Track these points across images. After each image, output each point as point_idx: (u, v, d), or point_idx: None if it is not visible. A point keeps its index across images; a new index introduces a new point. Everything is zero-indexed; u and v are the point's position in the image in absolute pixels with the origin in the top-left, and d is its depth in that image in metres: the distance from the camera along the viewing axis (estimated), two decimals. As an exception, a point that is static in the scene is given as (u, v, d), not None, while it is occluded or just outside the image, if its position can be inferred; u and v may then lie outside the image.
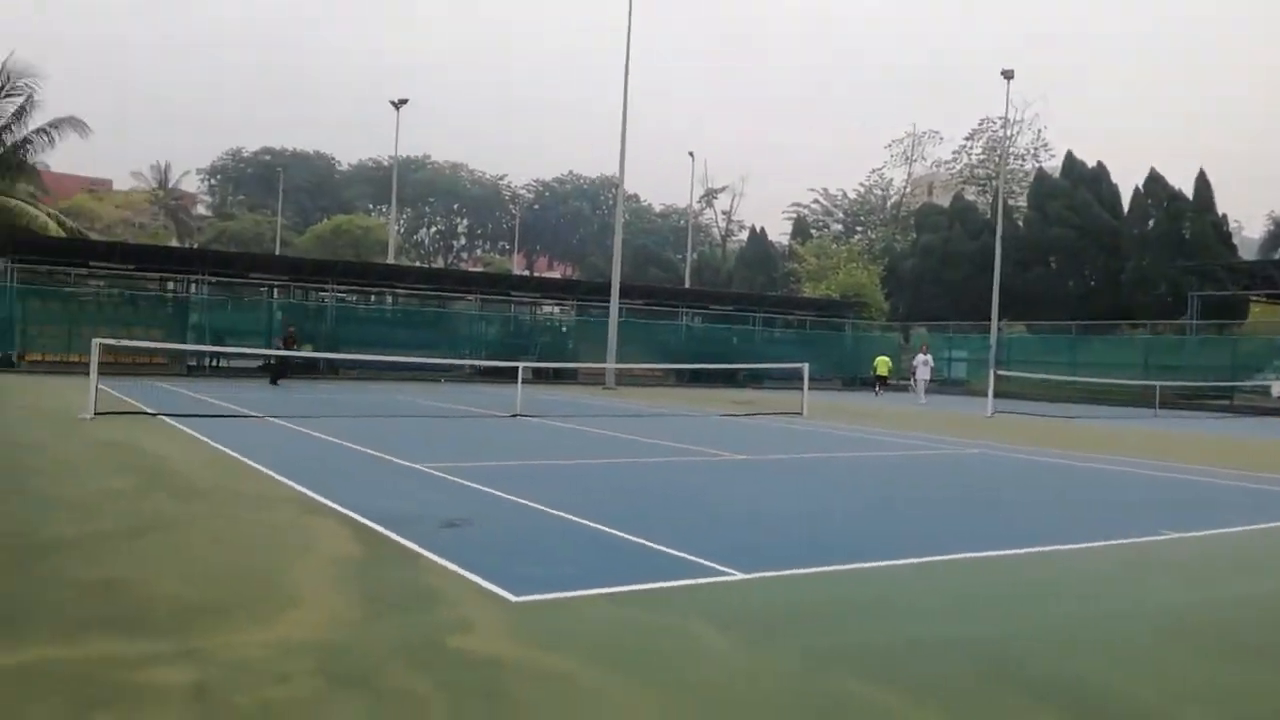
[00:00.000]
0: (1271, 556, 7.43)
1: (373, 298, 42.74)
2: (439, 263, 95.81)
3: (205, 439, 12.20)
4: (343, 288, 38.16)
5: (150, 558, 5.89)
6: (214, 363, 31.65)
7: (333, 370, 32.31)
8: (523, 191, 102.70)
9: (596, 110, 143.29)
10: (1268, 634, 5.16)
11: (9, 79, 35.18)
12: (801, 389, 22.44)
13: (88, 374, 15.23)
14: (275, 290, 36.46)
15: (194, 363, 31.01)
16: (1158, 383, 32.09)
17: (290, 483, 8.80)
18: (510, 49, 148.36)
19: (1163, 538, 7.69)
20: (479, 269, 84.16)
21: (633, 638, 4.56)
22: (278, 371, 27.19)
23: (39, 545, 6.11)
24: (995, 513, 9.18)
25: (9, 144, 36.61)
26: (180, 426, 13.69)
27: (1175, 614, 5.46)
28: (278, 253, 62.22)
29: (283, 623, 4.55)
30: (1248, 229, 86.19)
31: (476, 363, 33.50)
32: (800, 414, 20.94)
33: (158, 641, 4.20)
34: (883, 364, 38.46)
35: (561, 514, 7.61)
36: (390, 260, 55.59)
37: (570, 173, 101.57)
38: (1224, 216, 49.44)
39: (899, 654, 4.46)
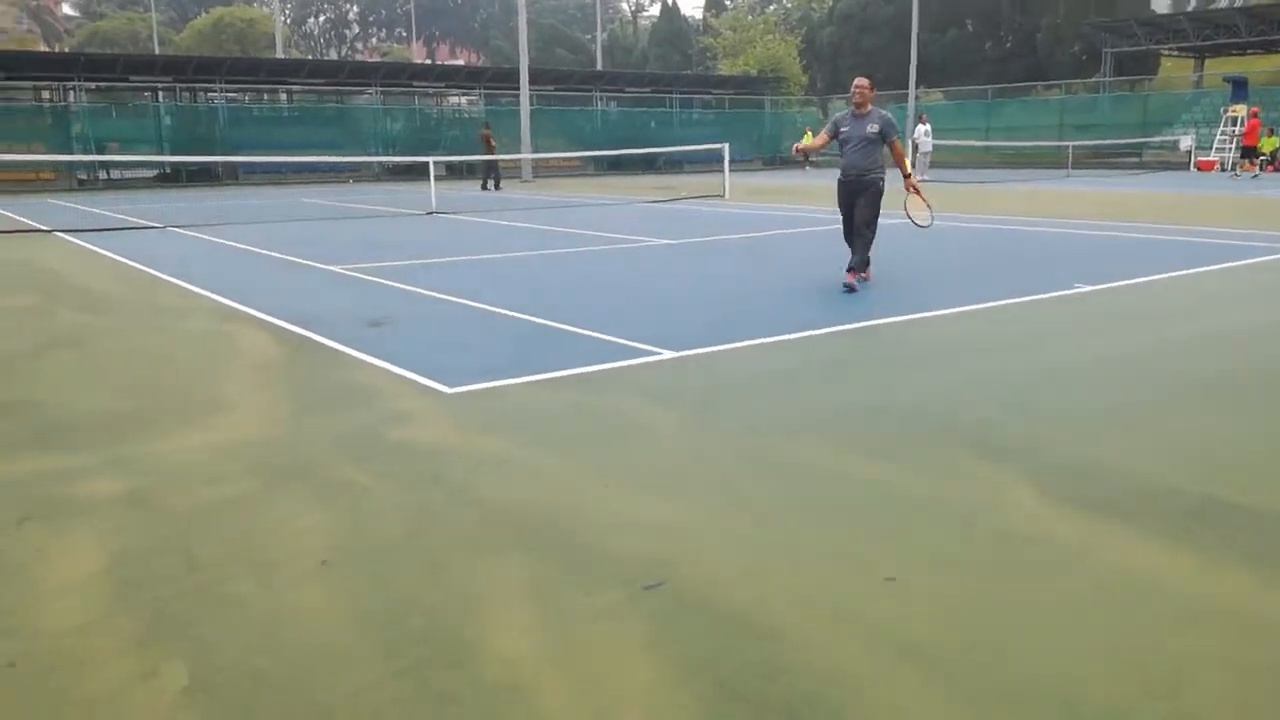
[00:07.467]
0: (1204, 300, 7.73)
1: (265, 96, 40.20)
2: (332, 55, 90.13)
3: (107, 253, 11.62)
4: (232, 87, 35.76)
5: (65, 373, 5.67)
6: (106, 174, 29.87)
7: (232, 175, 30.79)
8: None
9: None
10: (1214, 375, 5.43)
11: None
12: (723, 171, 22.18)
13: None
14: (160, 93, 34.03)
15: (84, 175, 29.24)
16: (1070, 143, 32.54)
17: (201, 291, 8.48)
18: None
19: (1076, 290, 7.96)
20: (376, 59, 79.43)
21: (572, 419, 4.58)
22: (488, 175, 26.13)
23: (-59, 370, 5.83)
24: (912, 278, 9.34)
25: None
26: (78, 242, 13.00)
27: (1110, 360, 5.69)
28: (156, 52, 57.64)
29: (212, 427, 4.45)
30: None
31: (386, 159, 32.23)
32: (722, 196, 20.79)
33: (85, 454, 4.08)
34: (808, 138, 38.17)
35: (488, 307, 7.51)
36: (279, 55, 52.00)
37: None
38: (1139, -31, 48.72)
39: (837, 416, 4.57)
